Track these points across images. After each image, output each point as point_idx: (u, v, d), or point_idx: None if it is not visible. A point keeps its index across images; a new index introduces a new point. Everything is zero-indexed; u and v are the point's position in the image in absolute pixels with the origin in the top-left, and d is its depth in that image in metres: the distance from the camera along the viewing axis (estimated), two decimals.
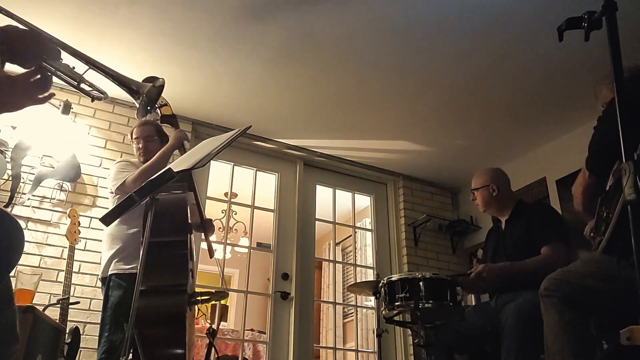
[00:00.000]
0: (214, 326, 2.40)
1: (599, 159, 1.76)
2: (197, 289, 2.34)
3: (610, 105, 1.81)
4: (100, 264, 3.18)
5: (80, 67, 1.45)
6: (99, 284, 3.10)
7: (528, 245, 2.55)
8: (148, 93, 1.51)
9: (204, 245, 3.89)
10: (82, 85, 1.39)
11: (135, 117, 1.69)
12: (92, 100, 1.46)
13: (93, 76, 1.51)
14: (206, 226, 2.48)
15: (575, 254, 3.15)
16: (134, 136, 2.82)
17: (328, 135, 4.09)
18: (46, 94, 1.18)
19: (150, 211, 1.70)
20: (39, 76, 1.16)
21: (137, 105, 1.51)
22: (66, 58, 1.46)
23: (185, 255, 1.98)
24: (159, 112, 2.59)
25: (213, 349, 2.13)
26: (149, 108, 1.53)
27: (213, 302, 2.99)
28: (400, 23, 2.89)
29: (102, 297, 3.07)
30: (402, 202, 4.54)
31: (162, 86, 1.53)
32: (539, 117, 3.74)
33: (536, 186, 4.05)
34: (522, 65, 3.20)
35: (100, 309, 3.04)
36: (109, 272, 2.54)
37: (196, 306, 2.27)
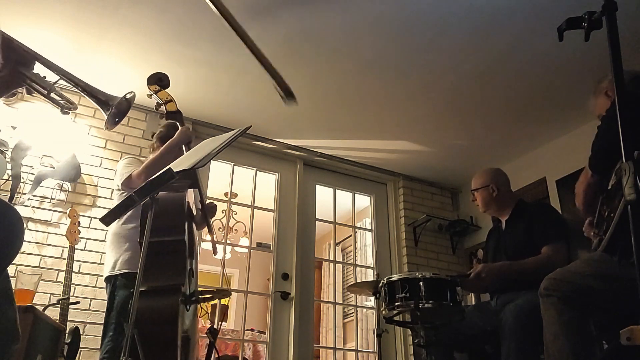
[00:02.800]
0: (215, 326, 2.39)
1: (602, 158, 1.76)
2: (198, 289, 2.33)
3: (612, 105, 1.81)
4: (101, 263, 3.18)
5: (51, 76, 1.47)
6: (100, 283, 3.11)
7: (528, 245, 2.54)
8: (118, 105, 1.54)
9: (204, 245, 3.91)
10: (52, 95, 1.42)
11: (104, 127, 1.71)
12: (62, 111, 1.49)
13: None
14: (207, 211, 2.42)
15: (576, 254, 3.15)
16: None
17: (328, 135, 4.09)
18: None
19: (150, 211, 1.70)
20: (12, 80, 1.24)
21: (106, 117, 1.55)
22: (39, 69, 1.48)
23: (182, 254, 1.98)
24: (164, 109, 2.54)
25: (214, 348, 2.12)
26: (117, 120, 1.56)
27: (213, 302, 2.98)
28: (401, 23, 2.89)
29: (102, 297, 3.07)
30: (402, 202, 4.54)
31: (132, 99, 1.56)
32: (539, 117, 3.74)
33: (536, 186, 4.05)
34: (523, 65, 3.20)
35: (100, 309, 3.05)
36: (116, 272, 2.47)
37: (199, 305, 2.26)
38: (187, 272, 2.00)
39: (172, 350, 1.75)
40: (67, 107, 1.51)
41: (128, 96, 1.57)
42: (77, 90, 1.51)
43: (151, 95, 2.55)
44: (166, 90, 2.56)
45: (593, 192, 1.85)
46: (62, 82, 1.55)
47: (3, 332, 1.18)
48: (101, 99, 1.54)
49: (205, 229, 2.51)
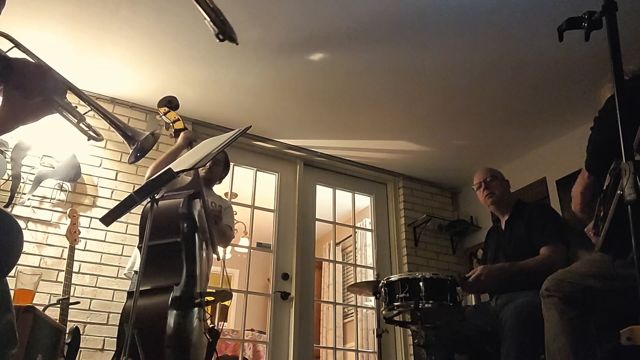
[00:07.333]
0: (215, 326, 2.40)
1: (598, 159, 1.76)
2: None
3: (606, 104, 1.80)
4: (102, 263, 3.20)
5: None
6: (100, 283, 3.13)
7: (528, 245, 2.55)
8: (144, 141, 1.57)
9: None
10: (81, 125, 1.45)
11: (127, 161, 1.74)
12: (88, 140, 1.53)
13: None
14: (210, 217, 2.48)
15: (576, 254, 3.15)
16: None
17: (328, 135, 4.09)
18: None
19: (150, 211, 1.70)
20: (45, 108, 1.23)
21: (130, 150, 1.57)
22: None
23: (178, 256, 1.99)
24: (172, 128, 2.75)
25: (214, 349, 2.13)
26: (138, 155, 1.59)
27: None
28: (400, 23, 2.89)
29: (102, 297, 3.12)
30: (402, 202, 4.54)
31: (158, 136, 1.60)
32: (539, 117, 3.74)
33: (536, 186, 4.05)
34: (522, 65, 3.20)
35: (100, 309, 3.09)
36: (134, 269, 2.63)
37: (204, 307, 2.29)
38: (184, 274, 2.00)
39: (160, 348, 1.76)
40: (94, 138, 1.54)
41: (155, 134, 1.60)
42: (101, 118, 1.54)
43: (161, 116, 2.78)
44: (174, 111, 2.79)
45: (591, 194, 1.85)
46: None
47: (1, 337, 1.17)
48: (128, 134, 1.58)
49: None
